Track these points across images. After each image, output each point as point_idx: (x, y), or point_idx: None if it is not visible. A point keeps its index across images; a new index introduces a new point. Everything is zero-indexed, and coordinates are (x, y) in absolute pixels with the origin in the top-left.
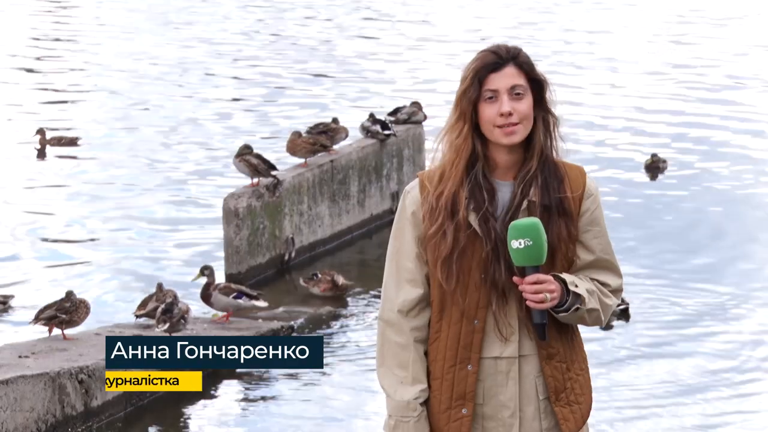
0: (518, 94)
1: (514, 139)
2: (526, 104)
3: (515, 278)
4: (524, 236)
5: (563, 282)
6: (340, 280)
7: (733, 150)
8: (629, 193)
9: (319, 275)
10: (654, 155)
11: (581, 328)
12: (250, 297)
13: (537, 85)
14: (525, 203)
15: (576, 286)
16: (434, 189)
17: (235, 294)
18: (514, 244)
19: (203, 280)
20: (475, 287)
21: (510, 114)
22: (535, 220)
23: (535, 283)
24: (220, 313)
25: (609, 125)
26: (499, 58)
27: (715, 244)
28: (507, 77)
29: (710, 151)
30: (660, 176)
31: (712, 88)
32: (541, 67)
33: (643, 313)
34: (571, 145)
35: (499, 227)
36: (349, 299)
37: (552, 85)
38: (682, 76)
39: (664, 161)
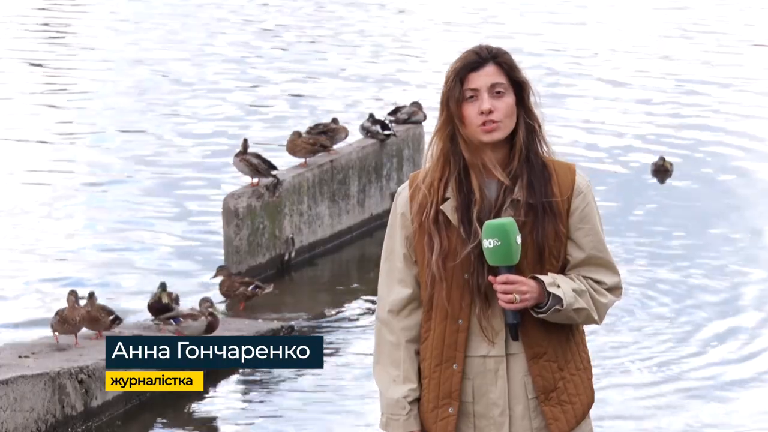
0: (499, 92)
1: (495, 137)
2: (506, 102)
3: (490, 278)
4: (493, 236)
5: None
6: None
7: (740, 151)
8: (636, 197)
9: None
10: (662, 158)
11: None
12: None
13: (519, 87)
14: (508, 202)
15: (558, 287)
16: (424, 188)
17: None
18: (485, 243)
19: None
20: (458, 287)
21: (490, 111)
22: (507, 221)
23: (504, 283)
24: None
25: (611, 126)
26: (479, 57)
27: (724, 246)
28: (486, 76)
29: (717, 153)
30: (668, 180)
31: (718, 87)
32: (534, 66)
33: (647, 316)
34: (574, 148)
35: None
36: (349, 299)
37: (535, 88)
38: (686, 77)
39: (671, 164)
